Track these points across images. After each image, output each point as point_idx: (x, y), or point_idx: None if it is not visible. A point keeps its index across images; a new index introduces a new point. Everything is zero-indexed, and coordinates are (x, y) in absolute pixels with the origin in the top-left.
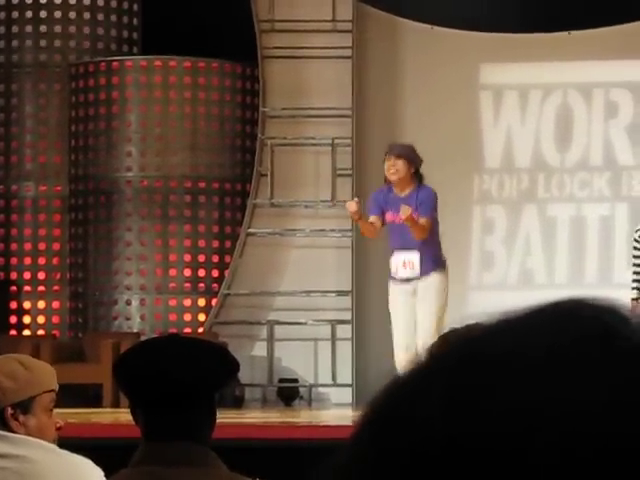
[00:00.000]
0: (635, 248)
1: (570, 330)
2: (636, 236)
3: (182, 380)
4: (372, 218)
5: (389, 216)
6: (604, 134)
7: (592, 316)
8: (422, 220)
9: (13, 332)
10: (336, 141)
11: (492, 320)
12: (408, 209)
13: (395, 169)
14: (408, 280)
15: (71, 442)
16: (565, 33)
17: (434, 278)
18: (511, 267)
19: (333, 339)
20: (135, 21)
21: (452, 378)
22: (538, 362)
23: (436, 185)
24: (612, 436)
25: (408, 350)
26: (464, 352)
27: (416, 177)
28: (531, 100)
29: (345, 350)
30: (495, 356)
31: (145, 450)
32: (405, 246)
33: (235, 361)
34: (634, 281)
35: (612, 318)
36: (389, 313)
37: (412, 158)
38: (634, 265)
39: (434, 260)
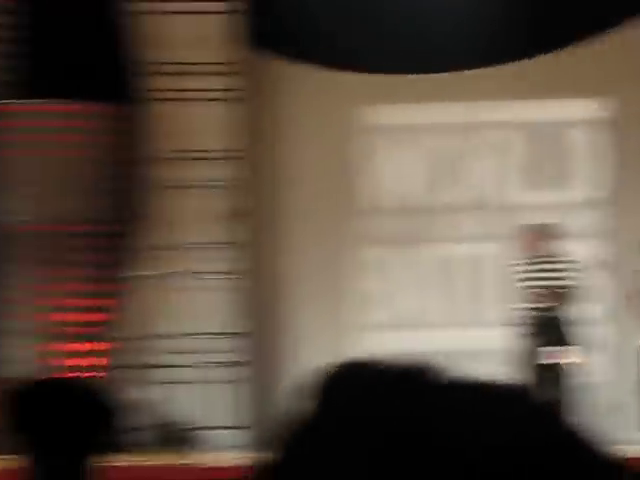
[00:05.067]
0: (517, 280)
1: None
2: (513, 270)
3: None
4: None
5: None
6: (477, 175)
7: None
8: None
9: None
10: (220, 183)
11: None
12: None
13: None
14: None
15: None
16: (441, 75)
17: None
18: (385, 308)
19: (224, 382)
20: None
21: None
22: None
23: (313, 226)
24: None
25: None
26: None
27: None
28: (406, 141)
29: (236, 393)
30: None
31: None
32: None
33: (110, 406)
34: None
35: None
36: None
37: None
38: (520, 287)
39: None
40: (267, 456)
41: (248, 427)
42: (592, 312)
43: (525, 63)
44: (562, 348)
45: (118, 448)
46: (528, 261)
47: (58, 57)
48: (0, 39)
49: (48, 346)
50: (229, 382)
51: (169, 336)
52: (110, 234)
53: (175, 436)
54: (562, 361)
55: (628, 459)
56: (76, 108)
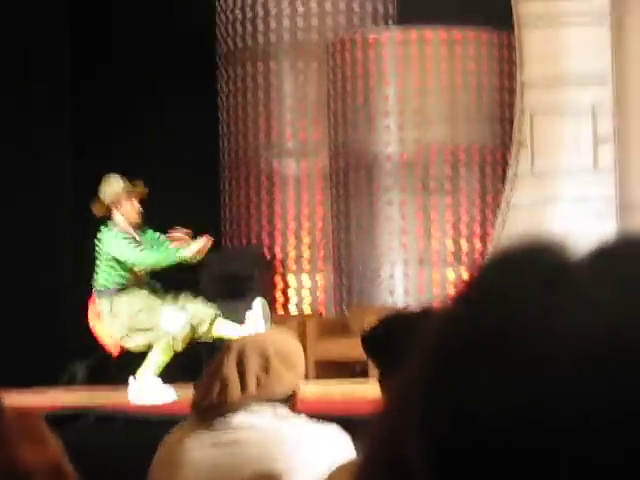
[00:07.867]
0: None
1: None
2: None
3: None
4: None
5: None
6: None
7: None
8: None
9: (279, 310)
10: (587, 107)
11: None
12: None
13: None
14: None
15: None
16: None
17: None
18: None
19: None
20: None
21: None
22: None
23: None
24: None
25: None
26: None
27: None
28: None
29: None
30: None
31: None
32: None
33: None
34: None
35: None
36: None
37: None
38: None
39: None
40: None
41: None
42: None
43: None
44: None
45: None
46: None
47: None
48: None
49: (429, 274)
50: None
51: None
52: (489, 162)
53: None
54: None
55: None
56: (453, 36)
